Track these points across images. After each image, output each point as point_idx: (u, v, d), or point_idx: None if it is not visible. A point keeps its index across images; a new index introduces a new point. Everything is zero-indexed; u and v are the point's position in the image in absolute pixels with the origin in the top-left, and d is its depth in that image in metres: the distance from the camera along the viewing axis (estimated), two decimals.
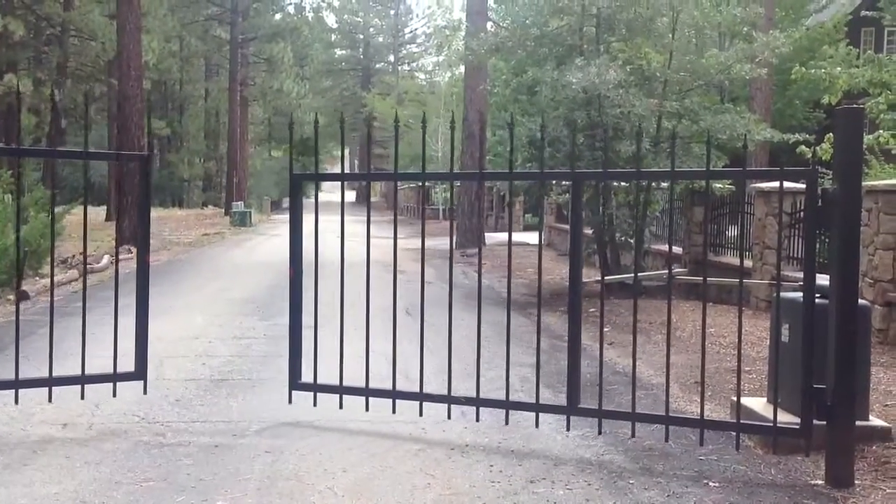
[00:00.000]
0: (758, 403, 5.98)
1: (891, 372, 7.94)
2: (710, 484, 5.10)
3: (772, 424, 5.44)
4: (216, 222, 38.41)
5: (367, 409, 6.59)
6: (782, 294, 5.95)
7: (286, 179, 68.54)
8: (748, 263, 12.96)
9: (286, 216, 36.05)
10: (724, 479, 5.19)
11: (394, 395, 6.65)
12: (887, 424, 5.83)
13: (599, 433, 6.01)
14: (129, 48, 23.56)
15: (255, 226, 38.12)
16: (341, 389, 6.80)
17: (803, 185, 6.05)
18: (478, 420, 6.42)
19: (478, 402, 6.50)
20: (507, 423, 6.36)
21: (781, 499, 4.84)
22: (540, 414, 6.74)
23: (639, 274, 6.73)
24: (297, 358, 7.01)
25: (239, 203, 41.24)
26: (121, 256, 20.61)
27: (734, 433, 6.00)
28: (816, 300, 5.39)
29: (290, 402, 6.76)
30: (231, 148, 49.29)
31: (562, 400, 7.23)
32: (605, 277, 9.26)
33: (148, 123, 12.45)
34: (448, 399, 6.54)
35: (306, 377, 6.95)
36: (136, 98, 23.56)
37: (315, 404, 6.70)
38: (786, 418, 5.53)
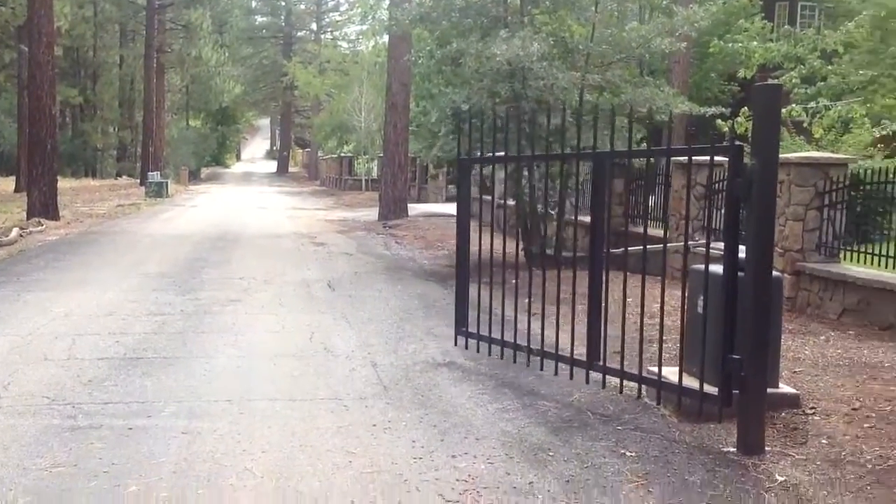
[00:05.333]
0: (673, 373, 6.06)
1: (798, 338, 8.16)
2: (628, 454, 5.18)
3: (698, 390, 5.54)
4: (131, 193, 37.52)
5: None
6: (698, 266, 6.04)
7: (205, 149, 66.98)
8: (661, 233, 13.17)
9: (204, 186, 35.36)
10: (640, 448, 5.28)
11: None
12: (796, 391, 5.99)
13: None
14: (40, 13, 22.71)
15: (172, 197, 37.35)
16: None
17: (720, 159, 6.16)
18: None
19: None
20: None
21: (695, 466, 4.94)
22: (459, 387, 6.77)
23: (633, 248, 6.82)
24: None
25: (155, 173, 40.29)
26: (32, 229, 19.90)
27: (650, 404, 6.13)
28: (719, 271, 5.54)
29: None
30: (147, 117, 48.07)
31: (482, 372, 7.29)
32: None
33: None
34: None
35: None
36: (48, 65, 22.76)
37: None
38: (696, 385, 5.63)
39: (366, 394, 6.56)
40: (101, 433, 5.58)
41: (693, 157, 6.21)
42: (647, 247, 6.33)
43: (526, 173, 13.79)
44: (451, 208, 27.67)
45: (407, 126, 24.37)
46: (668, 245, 6.37)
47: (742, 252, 5.39)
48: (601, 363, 6.52)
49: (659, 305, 6.30)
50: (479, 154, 8.45)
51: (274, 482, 4.76)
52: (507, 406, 6.24)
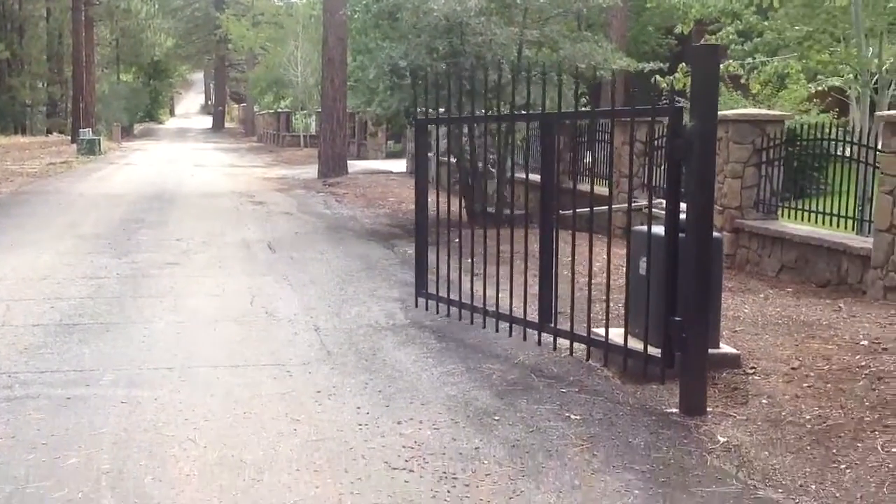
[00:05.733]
0: (617, 333, 6.10)
1: (738, 296, 8.27)
2: (572, 417, 5.21)
3: (642, 352, 5.59)
4: (63, 151, 36.56)
5: None
6: (640, 228, 6.06)
7: (137, 105, 65.27)
8: (602, 192, 13.25)
9: (138, 143, 34.69)
10: (584, 411, 5.31)
11: None
12: (736, 351, 6.08)
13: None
14: None
15: (105, 154, 36.49)
16: None
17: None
18: None
19: None
20: None
21: (639, 429, 4.99)
22: (404, 351, 6.75)
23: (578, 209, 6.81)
24: None
25: (87, 130, 39.28)
26: None
27: (595, 365, 6.18)
28: (660, 232, 5.58)
29: None
30: (76, 71, 46.74)
31: (426, 335, 7.27)
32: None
33: None
34: None
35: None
36: None
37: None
38: (640, 347, 5.68)
39: (309, 359, 6.51)
40: (39, 403, 5.45)
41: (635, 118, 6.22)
42: (594, 208, 6.34)
43: (467, 131, 13.73)
44: (391, 165, 27.58)
45: (345, 81, 24.01)
46: (613, 207, 6.35)
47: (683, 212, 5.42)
48: (552, 325, 6.54)
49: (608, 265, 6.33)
50: (425, 113, 8.34)
51: (217, 452, 4.69)
52: (452, 369, 6.23)
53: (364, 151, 34.78)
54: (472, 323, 7.26)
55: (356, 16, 17.19)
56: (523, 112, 8.50)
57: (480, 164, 14.59)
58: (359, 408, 5.41)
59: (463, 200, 14.30)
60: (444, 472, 4.41)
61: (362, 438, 4.89)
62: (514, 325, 6.83)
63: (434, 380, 6.00)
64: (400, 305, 8.35)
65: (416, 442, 4.83)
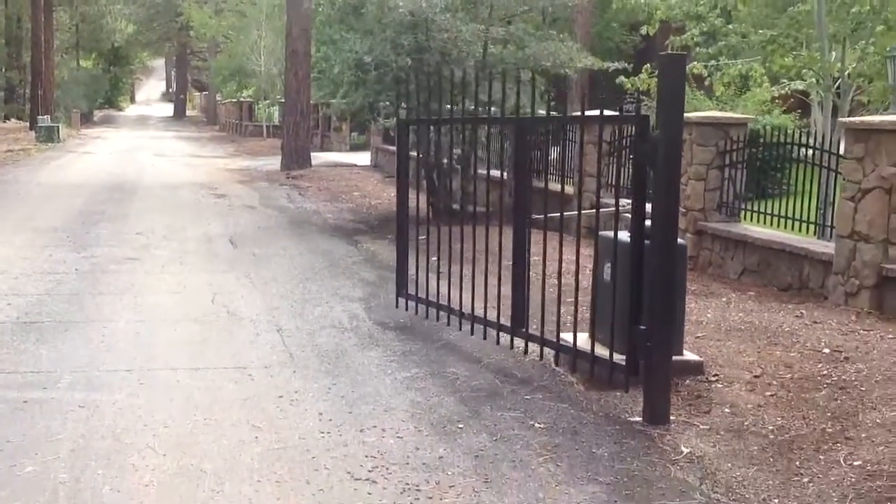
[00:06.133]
0: (581, 338, 6.10)
1: (701, 300, 8.30)
2: (537, 425, 5.19)
3: (608, 359, 5.59)
4: (20, 138, 35.91)
5: None
6: (606, 233, 6.05)
7: (97, 91, 64.19)
8: (570, 190, 13.29)
9: (98, 131, 34.18)
10: (549, 419, 5.29)
11: None
12: (699, 358, 6.09)
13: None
14: None
15: (64, 142, 35.93)
16: None
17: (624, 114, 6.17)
18: None
19: None
20: None
21: (603, 438, 4.98)
22: (367, 354, 6.70)
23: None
24: None
25: (45, 117, 38.64)
26: None
27: (560, 370, 6.18)
28: (626, 239, 5.59)
29: None
30: (35, 57, 45.91)
31: (390, 337, 7.22)
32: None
33: None
34: None
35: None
36: None
37: None
38: (607, 353, 5.68)
39: (271, 361, 6.43)
40: None
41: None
42: (565, 213, 6.33)
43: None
44: (355, 158, 27.40)
45: (309, 73, 23.82)
46: (586, 211, 6.35)
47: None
48: (524, 330, 6.53)
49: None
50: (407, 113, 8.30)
51: (177, 461, 4.61)
52: (416, 374, 6.19)
53: (328, 143, 34.55)
54: (448, 324, 7.20)
55: (321, 9, 17.08)
56: (504, 116, 8.52)
57: (446, 162, 14.60)
58: (321, 414, 5.35)
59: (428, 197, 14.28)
60: (408, 484, 4.37)
61: (325, 447, 4.83)
62: (488, 328, 6.79)
63: (398, 384, 5.96)
64: (363, 306, 8.29)
65: (379, 451, 4.79)
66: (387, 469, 4.55)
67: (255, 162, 27.62)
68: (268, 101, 42.74)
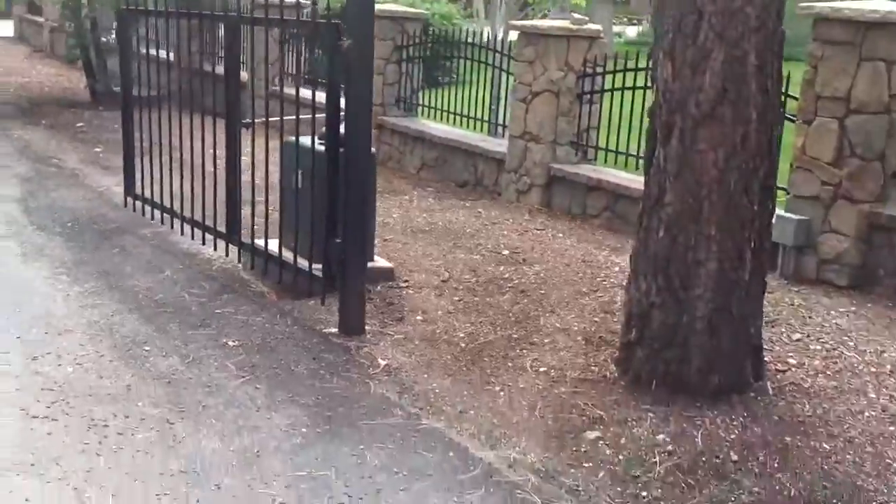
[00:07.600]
0: (274, 244, 5.88)
1: (386, 199, 8.15)
2: (230, 343, 4.96)
3: (307, 269, 5.44)
4: None
5: None
6: (293, 139, 5.80)
7: None
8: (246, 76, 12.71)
9: None
10: (242, 335, 5.07)
11: None
12: (390, 264, 6.11)
13: None
14: None
15: None
16: None
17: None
18: None
19: None
20: None
21: (301, 354, 4.86)
22: (32, 265, 6.07)
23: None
24: None
25: None
26: None
27: (249, 278, 5.98)
28: (318, 147, 5.43)
29: None
30: None
31: (56, 244, 6.58)
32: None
33: None
34: None
35: None
36: None
37: None
38: (302, 262, 5.54)
39: None
40: None
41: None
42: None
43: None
44: None
45: None
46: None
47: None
48: (238, 236, 6.21)
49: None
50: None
51: None
52: (91, 288, 5.69)
53: None
54: (171, 227, 6.84)
55: None
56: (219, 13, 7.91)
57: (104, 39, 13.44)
58: None
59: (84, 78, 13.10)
60: (93, 420, 4.00)
61: None
62: (207, 233, 6.44)
63: (71, 302, 5.44)
64: (20, 207, 7.48)
65: (56, 382, 4.35)
66: (67, 403, 4.15)
67: None
68: None
